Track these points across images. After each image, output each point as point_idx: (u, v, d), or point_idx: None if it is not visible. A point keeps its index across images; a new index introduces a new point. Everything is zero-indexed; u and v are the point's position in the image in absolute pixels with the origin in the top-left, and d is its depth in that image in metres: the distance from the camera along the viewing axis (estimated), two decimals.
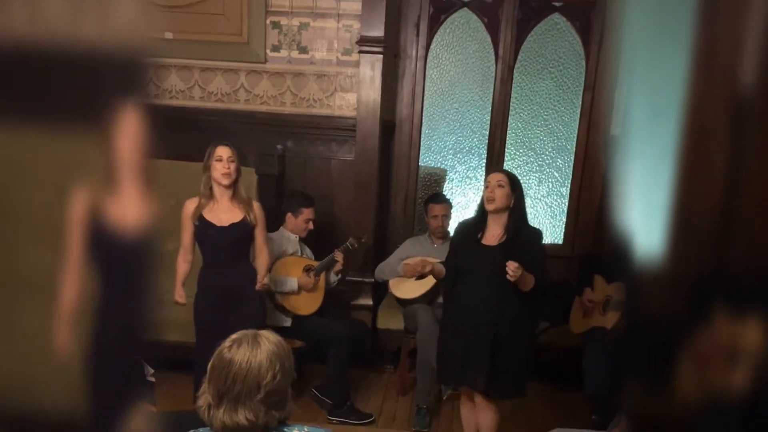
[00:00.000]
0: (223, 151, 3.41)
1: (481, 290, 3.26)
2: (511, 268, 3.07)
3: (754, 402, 0.67)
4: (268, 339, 1.78)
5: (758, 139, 0.64)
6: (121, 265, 1.15)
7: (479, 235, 3.32)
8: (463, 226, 3.47)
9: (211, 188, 3.43)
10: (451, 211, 4.50)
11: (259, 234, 3.53)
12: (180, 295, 3.52)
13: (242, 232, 3.47)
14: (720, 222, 0.68)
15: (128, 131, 1.41)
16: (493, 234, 3.30)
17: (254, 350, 1.74)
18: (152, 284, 1.23)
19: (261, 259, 3.57)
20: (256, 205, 3.52)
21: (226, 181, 3.39)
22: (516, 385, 3.38)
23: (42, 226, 0.80)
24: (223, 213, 3.43)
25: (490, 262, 3.23)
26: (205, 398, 1.76)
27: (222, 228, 3.41)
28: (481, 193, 3.44)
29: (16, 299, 0.81)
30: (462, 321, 3.32)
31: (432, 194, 4.69)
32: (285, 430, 1.78)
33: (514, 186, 3.29)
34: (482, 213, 3.34)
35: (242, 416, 1.71)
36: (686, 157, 0.67)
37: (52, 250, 0.81)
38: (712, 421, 0.71)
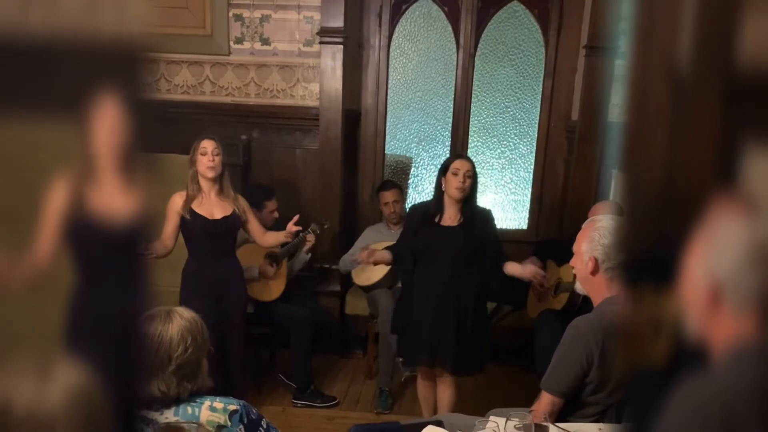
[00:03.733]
0: (207, 144, 3.48)
1: (444, 270, 3.34)
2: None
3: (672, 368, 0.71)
4: (181, 315, 1.88)
5: (693, 111, 0.66)
6: (103, 255, 1.19)
7: (437, 218, 3.39)
8: (419, 210, 3.52)
9: (198, 182, 3.50)
10: (404, 195, 4.59)
11: (253, 222, 3.66)
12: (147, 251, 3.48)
13: (233, 225, 3.57)
14: (660, 198, 0.70)
15: (107, 122, 1.21)
16: (450, 216, 3.37)
17: (165, 325, 1.84)
18: (138, 274, 1.23)
19: (269, 236, 3.73)
20: (242, 199, 3.62)
21: (210, 174, 3.46)
22: (479, 361, 3.49)
23: None
24: (214, 207, 3.51)
25: (452, 242, 3.33)
26: None
27: (215, 221, 3.49)
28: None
29: None
30: (427, 302, 3.38)
31: (381, 182, 4.77)
32: (197, 400, 1.88)
33: (475, 173, 3.38)
34: (439, 197, 3.40)
35: (155, 387, 1.81)
36: (630, 134, 0.70)
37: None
38: (641, 391, 0.75)
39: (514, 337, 4.58)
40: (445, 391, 3.55)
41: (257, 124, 4.71)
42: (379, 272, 4.31)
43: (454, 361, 3.39)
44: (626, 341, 0.74)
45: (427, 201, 3.56)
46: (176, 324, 1.84)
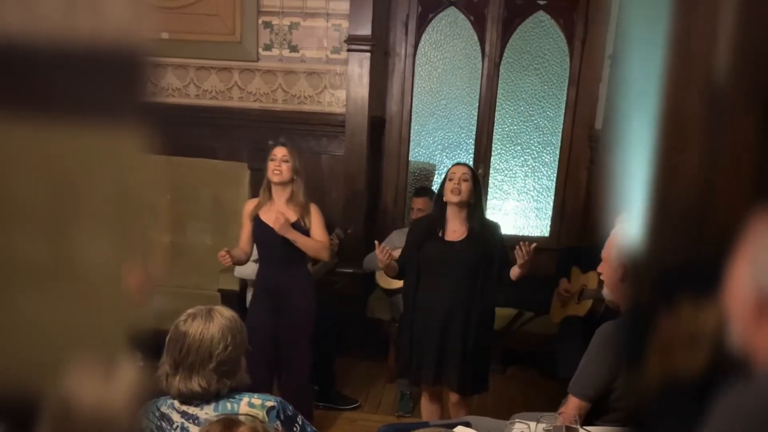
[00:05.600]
0: (278, 151, 3.46)
1: (448, 287, 3.26)
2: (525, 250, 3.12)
3: (708, 382, 0.70)
4: (222, 314, 1.95)
5: (732, 129, 0.64)
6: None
7: (439, 231, 3.31)
8: (423, 222, 3.48)
9: (269, 189, 3.50)
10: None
11: (318, 232, 3.49)
12: (224, 255, 3.41)
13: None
14: (696, 211, 0.69)
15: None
16: (454, 230, 3.29)
17: (207, 323, 1.91)
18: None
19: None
20: (314, 208, 3.52)
21: (275, 179, 3.43)
22: (485, 379, 3.44)
23: (38, 217, 0.78)
24: (277, 214, 3.44)
25: (456, 257, 3.24)
26: (163, 368, 1.93)
27: (273, 228, 3.42)
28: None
29: (10, 290, 0.80)
30: (431, 319, 3.30)
31: (418, 187, 4.82)
32: (236, 396, 1.95)
33: (476, 181, 3.29)
34: (441, 208, 3.32)
35: (196, 384, 1.88)
36: (663, 148, 0.68)
37: (47, 241, 0.79)
38: (672, 403, 0.74)
39: (534, 342, 4.62)
40: (459, 412, 3.41)
41: (284, 129, 4.77)
42: None
43: (460, 379, 3.32)
44: (658, 351, 0.74)
45: (430, 213, 3.50)
46: (217, 322, 1.91)
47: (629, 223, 0.70)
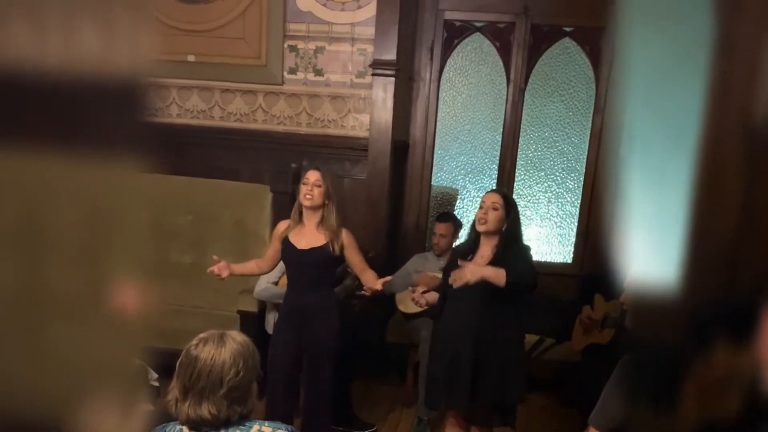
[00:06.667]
0: (311, 175, 3.45)
1: (469, 312, 3.21)
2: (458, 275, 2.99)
3: (746, 423, 0.69)
4: (234, 339, 1.91)
5: None
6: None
7: (469, 257, 3.27)
8: (458, 249, 3.46)
9: (301, 212, 3.48)
10: (457, 230, 4.59)
11: (353, 257, 3.49)
12: (219, 266, 3.44)
13: (319, 257, 3.43)
14: (732, 252, 0.68)
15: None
16: (483, 255, 3.24)
17: (219, 348, 1.86)
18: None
19: (367, 275, 3.51)
20: (345, 233, 3.48)
21: (306, 203, 3.41)
22: (511, 411, 3.37)
23: (72, 248, 0.79)
24: (307, 237, 3.44)
25: (478, 283, 3.12)
26: (173, 393, 1.89)
27: (302, 251, 3.42)
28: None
29: (46, 321, 0.80)
30: (446, 343, 3.29)
31: (441, 212, 4.80)
32: (246, 423, 1.90)
33: (509, 208, 3.23)
34: (475, 235, 3.29)
35: (205, 410, 1.83)
36: (701, 188, 0.67)
37: (81, 272, 0.79)
38: None
39: (555, 369, 4.55)
40: None
41: (307, 153, 4.80)
42: None
43: (472, 407, 3.26)
44: (693, 393, 0.72)
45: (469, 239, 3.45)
46: (229, 347, 1.87)
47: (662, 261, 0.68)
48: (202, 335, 1.93)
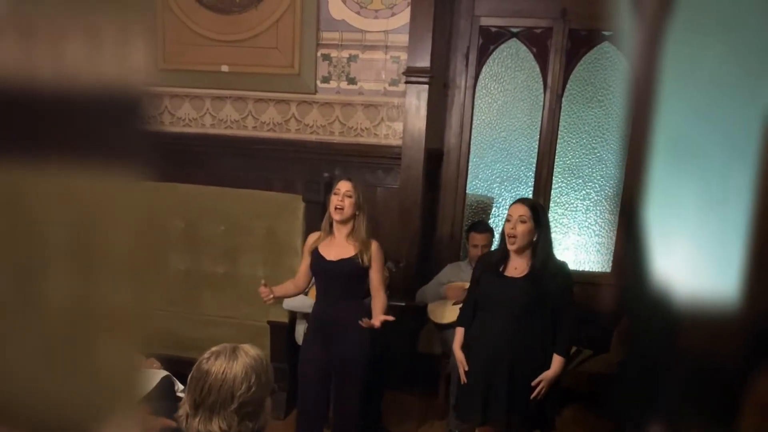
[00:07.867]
0: (342, 185, 3.42)
1: (501, 324, 3.18)
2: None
3: None
4: (247, 353, 1.86)
5: None
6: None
7: (501, 268, 3.25)
8: (487, 258, 3.42)
9: (331, 223, 3.46)
10: (494, 239, 4.52)
11: (374, 275, 3.44)
12: (265, 292, 3.46)
13: (349, 269, 3.40)
14: None
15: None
16: (516, 266, 3.22)
17: (230, 362, 1.82)
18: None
19: (376, 301, 3.47)
20: (375, 246, 3.44)
21: (337, 216, 3.39)
22: (537, 424, 3.31)
23: (121, 264, 0.80)
24: (336, 248, 3.42)
25: (513, 294, 3.17)
26: (183, 408, 1.86)
27: (330, 262, 3.40)
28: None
29: (94, 336, 0.82)
30: (482, 355, 3.24)
31: (474, 222, 4.72)
32: None
33: (538, 219, 3.17)
34: (504, 245, 3.24)
35: (216, 425, 1.79)
36: (762, 203, 0.67)
37: (131, 287, 0.80)
38: None
39: (593, 382, 4.45)
40: None
41: (340, 162, 4.79)
42: (454, 312, 4.27)
43: (508, 421, 3.22)
44: (753, 411, 0.70)
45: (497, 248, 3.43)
46: (241, 362, 1.83)
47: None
48: (214, 348, 1.90)
